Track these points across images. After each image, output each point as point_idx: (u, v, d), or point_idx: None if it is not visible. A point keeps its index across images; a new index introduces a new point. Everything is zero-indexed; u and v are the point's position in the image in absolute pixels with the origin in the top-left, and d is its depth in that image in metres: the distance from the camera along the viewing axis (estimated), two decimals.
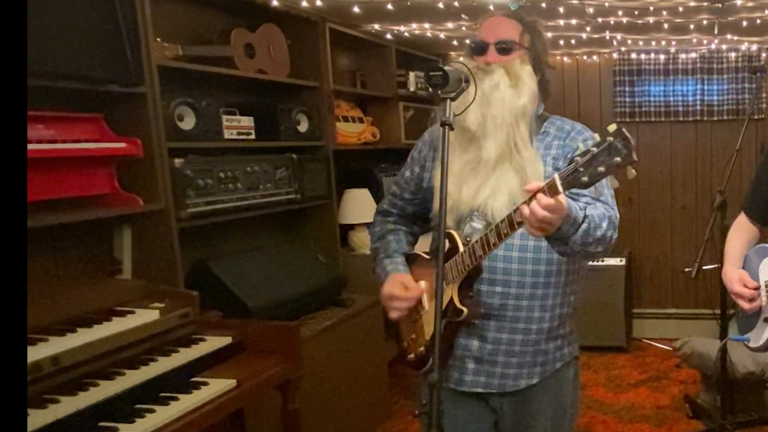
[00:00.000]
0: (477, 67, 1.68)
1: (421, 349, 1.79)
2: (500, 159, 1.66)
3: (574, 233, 1.52)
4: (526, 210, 1.41)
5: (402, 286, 1.78)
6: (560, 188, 1.38)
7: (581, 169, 1.35)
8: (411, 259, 1.91)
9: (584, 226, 1.53)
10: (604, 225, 1.59)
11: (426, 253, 1.87)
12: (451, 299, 1.67)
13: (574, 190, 1.46)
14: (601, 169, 1.33)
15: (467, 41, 1.79)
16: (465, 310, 1.66)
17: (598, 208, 1.63)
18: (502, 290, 1.72)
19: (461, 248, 1.65)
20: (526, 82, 1.71)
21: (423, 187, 1.89)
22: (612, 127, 1.34)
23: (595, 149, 1.34)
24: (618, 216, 1.69)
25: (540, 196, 1.39)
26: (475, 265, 1.63)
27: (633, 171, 1.34)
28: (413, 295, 1.76)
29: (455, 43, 4.44)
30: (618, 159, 1.32)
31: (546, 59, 1.81)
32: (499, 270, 1.71)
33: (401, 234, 1.98)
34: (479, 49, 1.73)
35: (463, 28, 3.95)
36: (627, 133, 1.32)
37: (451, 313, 1.67)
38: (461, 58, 1.76)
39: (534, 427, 1.83)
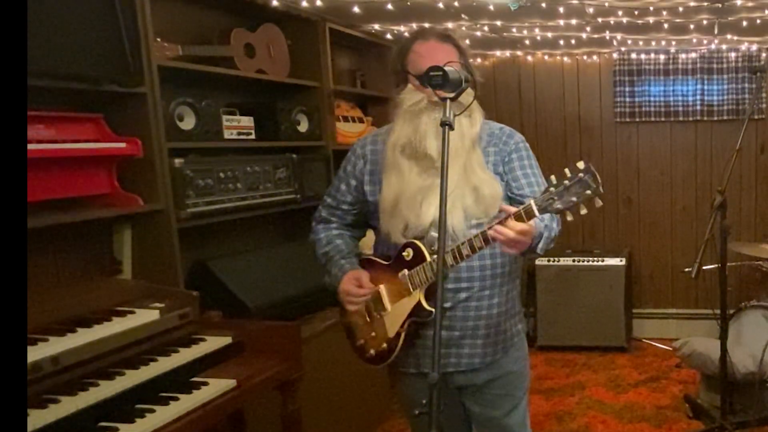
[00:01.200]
0: (430, 102, 1.80)
1: (384, 346, 1.93)
2: (458, 182, 1.81)
3: (538, 243, 1.78)
4: (501, 235, 1.62)
5: (356, 283, 1.93)
6: (536, 213, 1.60)
7: (555, 198, 1.59)
8: (368, 264, 2.01)
9: (546, 234, 1.80)
10: (555, 225, 1.85)
11: (383, 258, 1.96)
12: (419, 302, 1.84)
13: (518, 192, 1.86)
14: (574, 199, 1.58)
15: (415, 73, 1.83)
16: (433, 309, 1.80)
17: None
18: (467, 285, 1.90)
19: (428, 257, 1.81)
20: (475, 109, 1.86)
21: (366, 201, 2.00)
22: (581, 164, 1.57)
23: (568, 182, 1.57)
24: None
25: (514, 223, 1.61)
26: (447, 271, 1.76)
27: (600, 201, 1.58)
28: (366, 291, 1.92)
29: None
30: (589, 192, 1.56)
31: (473, 69, 1.89)
32: (463, 269, 1.88)
33: (348, 238, 2.11)
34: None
35: (463, 28, 3.95)
36: (594, 170, 1.57)
37: (419, 314, 1.84)
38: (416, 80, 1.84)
39: (499, 396, 2.02)
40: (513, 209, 1.63)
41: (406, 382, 2.04)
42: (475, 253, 1.73)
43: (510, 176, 1.92)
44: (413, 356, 1.96)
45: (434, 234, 1.80)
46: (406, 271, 1.85)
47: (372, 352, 1.97)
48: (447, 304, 1.87)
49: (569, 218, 1.61)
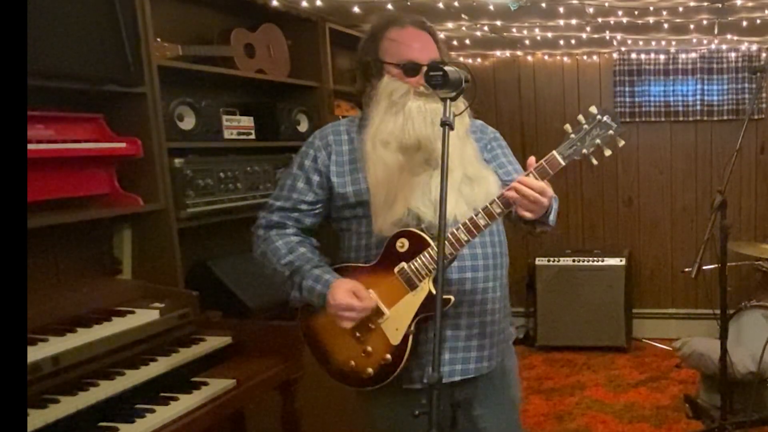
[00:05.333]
0: (415, 91, 1.71)
1: (387, 356, 1.71)
2: (456, 176, 1.69)
3: (549, 213, 1.70)
4: (522, 192, 1.56)
5: (353, 295, 1.68)
6: (561, 162, 1.59)
7: (578, 144, 1.59)
8: (345, 272, 1.79)
9: (555, 205, 1.73)
10: (554, 204, 1.78)
11: (364, 262, 1.79)
12: (429, 292, 1.68)
13: (508, 178, 1.76)
14: (597, 141, 1.59)
15: (397, 62, 1.73)
16: (451, 297, 1.70)
17: None
18: (472, 275, 1.79)
19: (431, 242, 1.66)
20: (460, 99, 1.72)
21: (333, 195, 1.82)
22: (593, 109, 1.59)
23: (587, 126, 1.59)
24: None
25: (533, 180, 1.57)
26: (456, 254, 1.67)
27: (622, 141, 1.60)
28: (369, 303, 1.68)
29: (455, 42, 4.44)
30: (611, 132, 1.59)
31: (448, 56, 1.88)
32: (466, 256, 1.78)
33: (310, 246, 1.89)
34: (413, 70, 1.70)
35: (463, 28, 3.95)
36: (611, 110, 1.60)
37: (432, 306, 1.65)
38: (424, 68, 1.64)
39: (503, 404, 1.92)
40: (535, 162, 1.59)
41: (400, 400, 1.76)
42: (493, 220, 1.62)
43: (495, 163, 1.87)
44: (417, 368, 1.74)
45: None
46: (404, 265, 1.68)
47: (370, 371, 1.74)
48: (452, 297, 1.70)
49: (594, 162, 1.61)
